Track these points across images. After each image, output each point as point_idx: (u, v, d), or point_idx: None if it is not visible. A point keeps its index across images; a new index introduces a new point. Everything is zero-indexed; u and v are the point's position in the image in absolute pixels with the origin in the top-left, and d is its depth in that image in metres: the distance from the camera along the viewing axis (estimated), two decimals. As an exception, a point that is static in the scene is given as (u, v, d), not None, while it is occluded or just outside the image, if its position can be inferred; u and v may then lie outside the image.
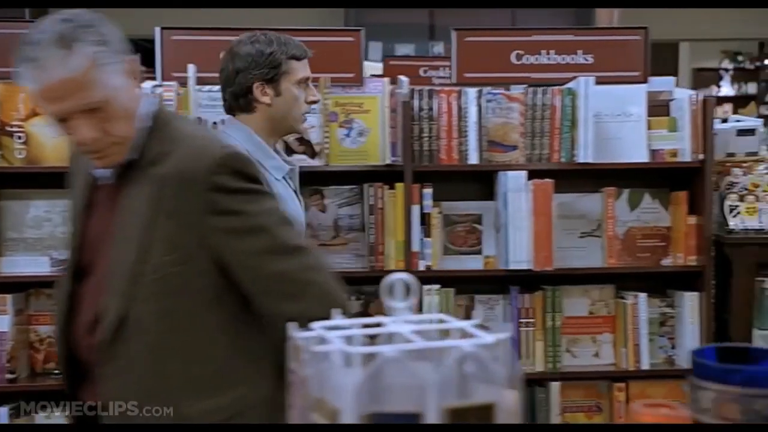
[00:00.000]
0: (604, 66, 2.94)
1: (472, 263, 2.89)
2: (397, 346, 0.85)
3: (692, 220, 2.83)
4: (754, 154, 2.97)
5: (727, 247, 2.75)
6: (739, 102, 14.02)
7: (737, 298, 2.74)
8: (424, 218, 2.77)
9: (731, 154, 2.98)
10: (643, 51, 2.94)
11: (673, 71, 14.13)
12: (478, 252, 2.90)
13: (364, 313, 2.87)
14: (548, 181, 2.74)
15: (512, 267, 2.77)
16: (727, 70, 13.97)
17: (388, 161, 2.75)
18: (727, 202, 2.75)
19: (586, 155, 2.77)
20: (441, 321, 0.97)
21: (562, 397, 2.87)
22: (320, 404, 0.88)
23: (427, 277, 2.80)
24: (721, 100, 14.04)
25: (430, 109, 2.77)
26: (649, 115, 2.90)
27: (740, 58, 13.74)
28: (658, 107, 2.96)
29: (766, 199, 2.74)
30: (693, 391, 1.01)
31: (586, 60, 2.94)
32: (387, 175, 2.79)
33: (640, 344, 2.84)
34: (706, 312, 2.81)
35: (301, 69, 2.14)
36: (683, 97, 2.84)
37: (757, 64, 13.87)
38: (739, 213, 2.75)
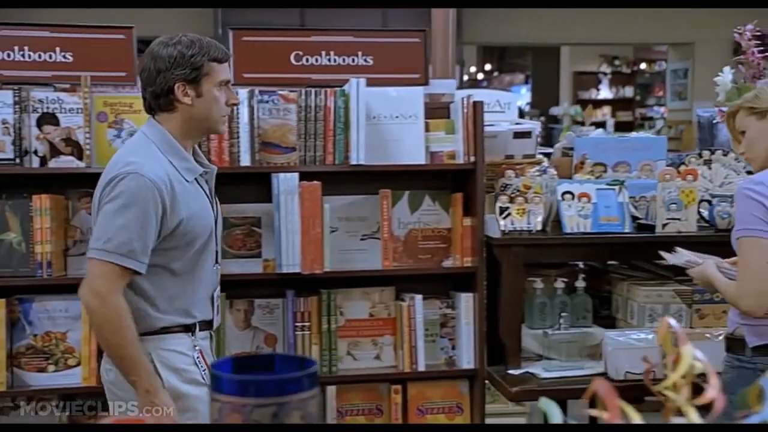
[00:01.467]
0: (384, 68, 2.94)
1: (251, 267, 2.84)
2: None
3: (468, 221, 2.86)
4: (531, 156, 3.02)
5: (496, 248, 2.78)
6: (618, 105, 14.51)
7: (506, 299, 2.77)
8: (196, 221, 2.71)
9: (510, 156, 3.02)
10: (423, 53, 2.96)
11: (555, 74, 14.52)
12: (258, 255, 2.86)
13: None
14: (316, 183, 2.72)
15: (285, 270, 2.74)
16: (605, 73, 14.43)
17: (152, 163, 2.68)
18: (498, 204, 2.78)
19: (358, 157, 2.76)
20: None
21: (342, 400, 2.86)
22: None
23: (198, 281, 2.75)
24: (601, 103, 14.54)
25: (200, 109, 2.71)
26: (432, 118, 2.92)
27: (617, 62, 14.21)
28: (441, 109, 2.99)
29: (534, 200, 2.78)
30: (211, 403, 0.99)
31: (366, 62, 2.93)
32: (156, 178, 2.72)
33: (417, 346, 2.85)
34: (479, 312, 2.84)
35: (222, 71, 2.18)
36: (458, 99, 2.87)
37: (634, 68, 14.37)
38: (509, 214, 2.78)
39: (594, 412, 0.90)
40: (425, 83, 2.96)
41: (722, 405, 0.98)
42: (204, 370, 2.17)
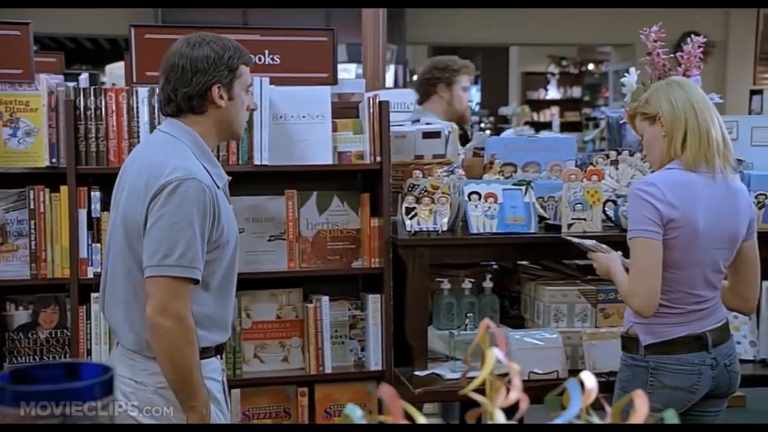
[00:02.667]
0: (292, 67, 2.90)
1: (155, 269, 2.79)
2: None
3: (376, 222, 2.84)
4: (441, 156, 3.01)
5: (401, 249, 2.76)
6: (566, 105, 14.65)
7: (412, 300, 2.76)
8: (94, 223, 2.66)
9: (420, 156, 3.01)
10: (331, 53, 2.93)
11: (504, 75, 14.60)
12: (162, 257, 2.80)
13: (34, 323, 2.73)
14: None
15: (187, 272, 2.69)
16: (553, 74, 14.55)
17: (47, 163, 2.62)
18: (404, 204, 2.77)
19: (262, 157, 2.73)
20: None
21: (249, 403, 2.82)
22: None
23: (97, 285, 2.69)
24: (549, 103, 14.65)
25: (98, 108, 2.65)
26: (342, 117, 2.89)
27: (565, 62, 14.33)
28: (350, 109, 2.96)
29: (441, 201, 2.77)
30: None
31: (274, 60, 2.90)
32: (53, 178, 2.66)
33: (323, 348, 2.82)
34: (387, 314, 2.83)
35: (248, 75, 2.16)
36: (365, 99, 2.85)
37: (582, 68, 14.51)
38: (416, 215, 2.77)
39: (380, 417, 0.88)
40: (334, 82, 2.94)
41: (526, 405, 0.97)
42: (228, 396, 2.19)
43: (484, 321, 1.06)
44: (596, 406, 0.98)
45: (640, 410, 0.96)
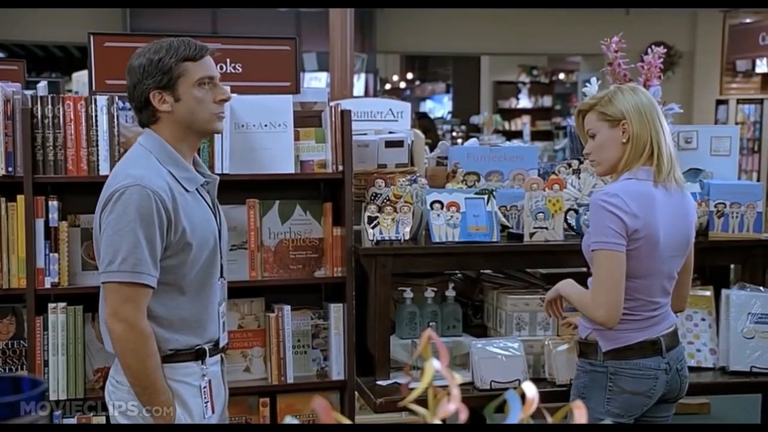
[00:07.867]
0: (254, 76, 2.89)
1: (115, 278, 2.75)
2: None
3: (338, 231, 2.83)
4: (404, 165, 3.01)
5: (363, 259, 2.75)
6: (537, 114, 14.74)
7: (374, 309, 2.75)
8: (52, 232, 2.62)
9: (383, 165, 3.00)
10: (294, 61, 2.92)
11: (476, 84, 14.68)
12: (122, 267, 2.77)
13: (-10, 335, 2.68)
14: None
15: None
16: (524, 83, 14.64)
17: (3, 172, 2.58)
18: (367, 213, 2.76)
19: (223, 166, 2.71)
20: None
21: (210, 414, 2.79)
22: None
23: (55, 295, 2.66)
24: (521, 112, 14.75)
25: (56, 116, 2.62)
26: (305, 126, 2.88)
27: (535, 72, 14.43)
28: (313, 118, 2.95)
29: (403, 210, 2.77)
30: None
31: (236, 69, 2.88)
32: (9, 187, 2.62)
33: (286, 357, 2.81)
34: (349, 323, 2.82)
35: (198, 69, 2.10)
36: (327, 108, 2.84)
37: (552, 78, 14.62)
38: (378, 224, 2.76)
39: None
40: (296, 91, 2.93)
41: (465, 416, 0.97)
42: (206, 402, 2.15)
43: (426, 331, 1.06)
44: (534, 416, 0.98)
45: (580, 420, 0.96)
